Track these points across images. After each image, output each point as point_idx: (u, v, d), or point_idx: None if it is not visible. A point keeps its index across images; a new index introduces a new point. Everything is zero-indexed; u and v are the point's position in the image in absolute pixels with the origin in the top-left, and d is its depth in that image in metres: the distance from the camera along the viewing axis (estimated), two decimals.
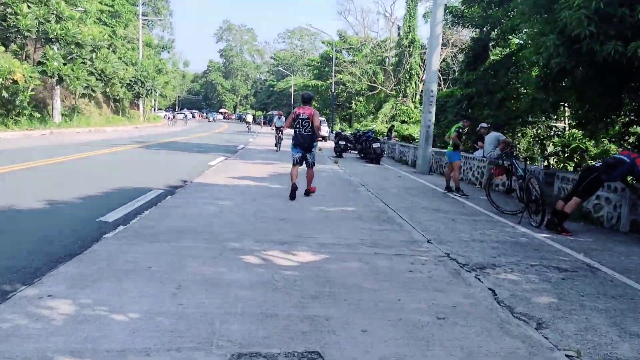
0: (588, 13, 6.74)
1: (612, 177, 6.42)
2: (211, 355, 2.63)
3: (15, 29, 25.53)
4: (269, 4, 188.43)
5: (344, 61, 45.00)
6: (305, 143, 8.24)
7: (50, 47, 28.34)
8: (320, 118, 8.86)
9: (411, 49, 34.86)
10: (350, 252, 4.88)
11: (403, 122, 33.19)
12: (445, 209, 7.94)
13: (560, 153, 15.77)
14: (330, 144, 24.49)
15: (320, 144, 10.84)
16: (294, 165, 8.43)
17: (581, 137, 14.65)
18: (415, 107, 35.06)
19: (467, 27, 20.86)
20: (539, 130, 20.06)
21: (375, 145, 16.75)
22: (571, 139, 14.67)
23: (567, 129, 19.60)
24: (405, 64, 35.22)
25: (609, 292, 4.16)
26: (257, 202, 7.65)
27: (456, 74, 33.58)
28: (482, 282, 4.20)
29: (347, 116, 51.12)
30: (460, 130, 9.77)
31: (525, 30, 11.06)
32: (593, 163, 8.49)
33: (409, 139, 27.79)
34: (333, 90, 41.37)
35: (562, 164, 14.31)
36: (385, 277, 4.16)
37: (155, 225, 5.59)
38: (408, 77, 35.47)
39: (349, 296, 3.65)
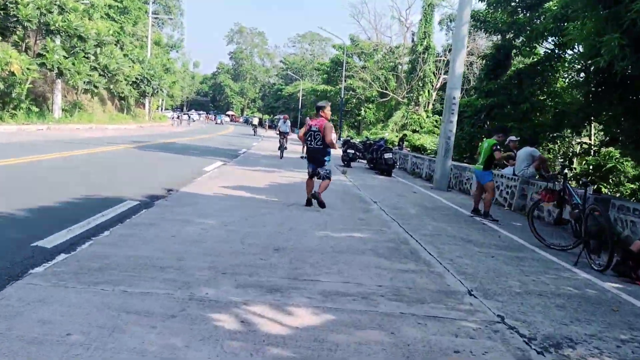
0: None
1: None
2: None
3: (15, 19, 24.35)
4: (281, 8, 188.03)
5: (355, 66, 43.68)
6: (315, 157, 7.70)
7: (51, 39, 27.17)
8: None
9: (426, 56, 33.46)
10: (366, 310, 3.50)
11: (414, 131, 31.80)
12: (478, 240, 6.54)
13: (591, 172, 14.36)
14: (338, 152, 23.11)
15: None
16: (309, 177, 8.03)
17: (618, 156, 13.29)
18: (427, 116, 33.68)
19: (490, 32, 19.47)
20: (563, 147, 18.63)
21: (388, 155, 15.37)
22: (607, 157, 13.27)
23: (593, 145, 18.14)
24: (418, 71, 33.82)
25: None
26: (249, 221, 6.29)
27: (472, 82, 32.21)
28: None
29: (356, 123, 49.77)
30: (497, 146, 8.31)
31: (571, 30, 9.64)
32: None
33: (420, 149, 26.39)
34: (342, 96, 40.06)
35: (595, 186, 12.90)
36: None
37: (109, 255, 4.24)
38: (421, 84, 34.05)
39: None
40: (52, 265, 3.87)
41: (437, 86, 35.69)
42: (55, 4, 26.45)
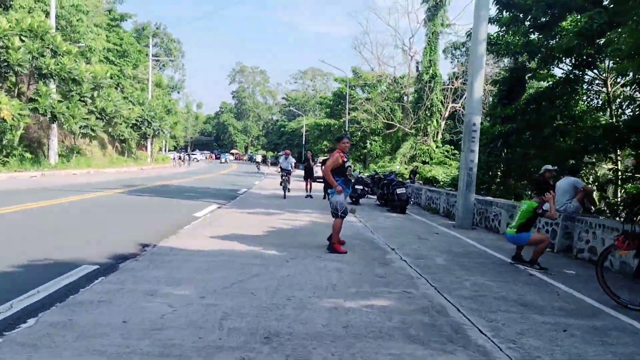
0: None
1: None
2: None
3: (6, 64, 23.53)
4: (283, 46, 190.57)
5: (359, 99, 42.75)
6: (325, 189, 7.01)
7: (45, 83, 26.33)
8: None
9: (432, 84, 32.40)
10: None
11: (424, 162, 30.50)
12: (535, 302, 5.01)
13: (629, 203, 12.80)
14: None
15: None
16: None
17: None
18: (437, 147, 32.37)
19: (502, 55, 18.29)
20: (590, 174, 17.08)
21: (400, 191, 13.93)
22: None
23: (621, 172, 16.61)
24: (425, 100, 32.69)
25: None
26: (234, 287, 4.83)
27: (484, 109, 31.02)
28: None
29: (362, 156, 48.56)
30: (540, 209, 6.72)
31: (619, 36, 8.36)
32: None
33: (432, 181, 24.97)
34: (347, 129, 38.94)
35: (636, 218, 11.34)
36: None
37: None
38: (429, 114, 32.86)
39: None
40: None
41: (446, 115, 34.55)
42: (47, 48, 25.75)
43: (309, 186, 18.05)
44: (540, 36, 16.11)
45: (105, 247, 6.52)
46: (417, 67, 36.55)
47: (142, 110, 44.12)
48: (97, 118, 32.29)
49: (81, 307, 4.01)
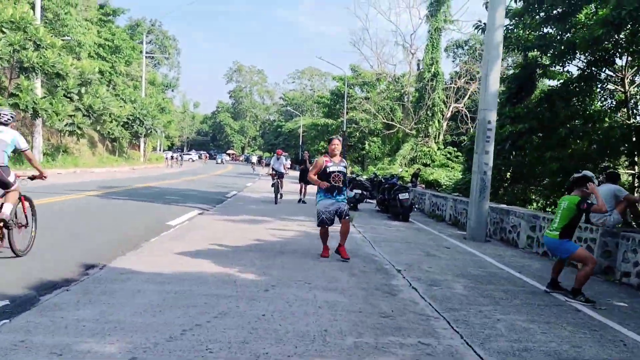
0: None
1: None
2: None
3: None
4: (281, 46, 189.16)
5: (358, 98, 41.37)
6: None
7: (26, 77, 24.91)
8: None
9: (434, 83, 31.03)
10: None
11: (425, 165, 29.15)
12: (598, 358, 3.66)
13: None
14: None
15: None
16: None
17: None
18: (438, 148, 31.04)
19: (512, 49, 16.95)
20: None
21: (403, 196, 12.58)
22: None
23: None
24: (427, 99, 31.33)
25: None
26: (184, 340, 3.44)
27: None
28: None
29: (360, 158, 47.18)
30: (585, 203, 5.43)
31: None
32: None
33: (434, 184, 23.63)
34: (345, 129, 37.57)
35: None
36: None
37: None
38: (430, 114, 31.48)
39: None
40: None
41: (448, 116, 33.22)
42: (29, 40, 24.33)
43: (303, 190, 16.60)
44: (555, 29, 14.85)
45: (35, 270, 5.15)
46: (419, 65, 35.21)
47: (134, 108, 42.73)
48: (84, 115, 30.92)
49: None
